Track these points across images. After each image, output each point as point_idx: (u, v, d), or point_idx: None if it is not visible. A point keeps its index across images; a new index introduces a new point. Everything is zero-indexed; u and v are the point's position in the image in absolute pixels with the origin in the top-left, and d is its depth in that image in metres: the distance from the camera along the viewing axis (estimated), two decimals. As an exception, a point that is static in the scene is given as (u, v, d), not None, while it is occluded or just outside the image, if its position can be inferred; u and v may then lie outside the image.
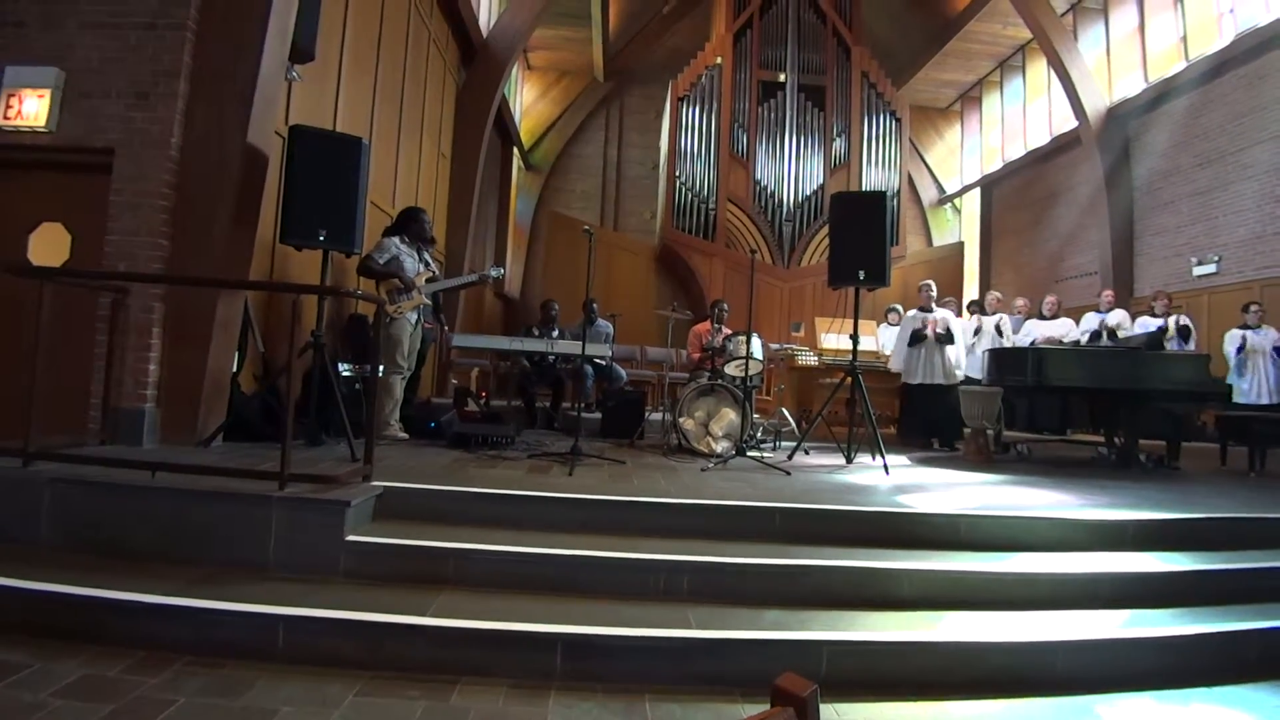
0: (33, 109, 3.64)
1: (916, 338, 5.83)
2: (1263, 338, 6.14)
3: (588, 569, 2.52)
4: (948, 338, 5.81)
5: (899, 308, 7.12)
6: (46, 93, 3.63)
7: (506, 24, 8.68)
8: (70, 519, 2.63)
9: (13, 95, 3.66)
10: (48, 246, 3.76)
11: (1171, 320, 6.10)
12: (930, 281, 6.22)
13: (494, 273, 5.37)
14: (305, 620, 2.16)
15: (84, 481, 2.68)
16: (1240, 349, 6.13)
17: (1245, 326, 6.23)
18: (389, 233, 4.67)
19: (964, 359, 6.01)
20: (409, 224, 4.69)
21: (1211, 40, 8.47)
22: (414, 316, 4.55)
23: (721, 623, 2.29)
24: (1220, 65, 8.26)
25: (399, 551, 2.53)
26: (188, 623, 2.16)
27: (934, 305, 6.02)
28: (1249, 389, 6.07)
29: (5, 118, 3.64)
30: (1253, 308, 6.29)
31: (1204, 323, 7.63)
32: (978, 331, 6.31)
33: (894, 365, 6.08)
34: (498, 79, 8.62)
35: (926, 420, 5.91)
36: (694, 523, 2.87)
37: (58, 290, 3.02)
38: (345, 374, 4.41)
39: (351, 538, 2.53)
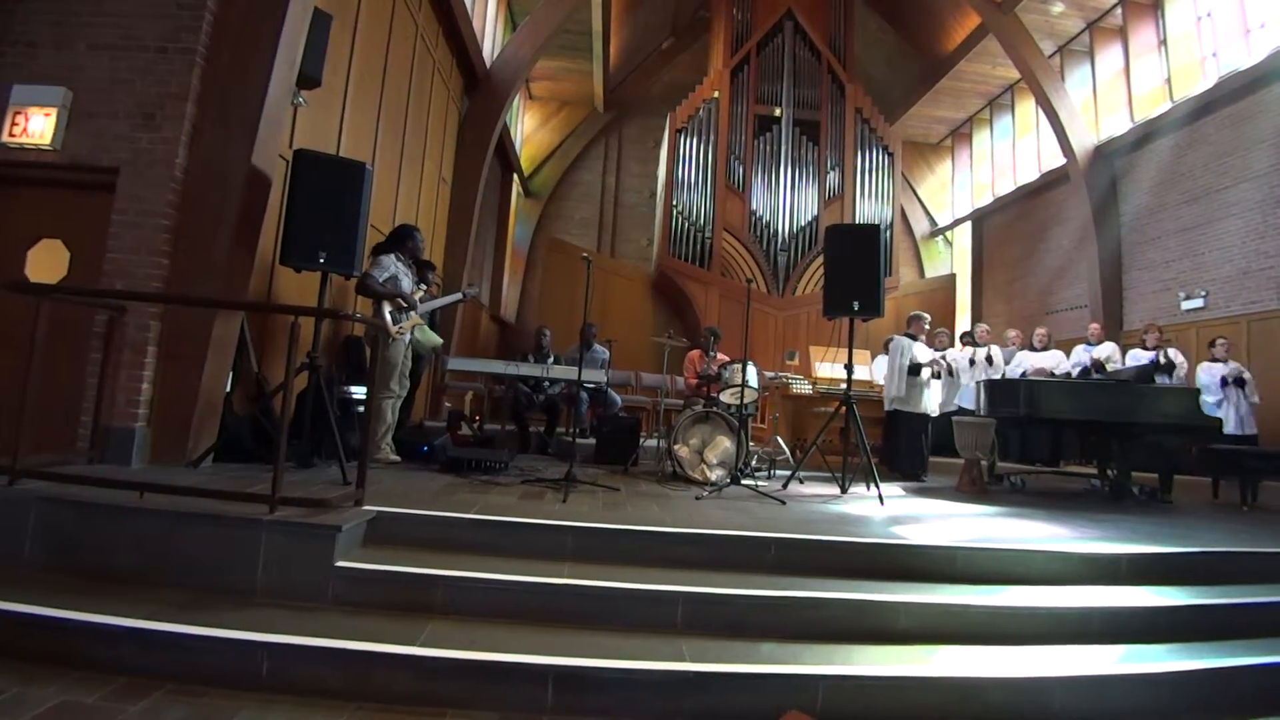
0: (38, 127, 3.68)
1: (915, 370, 5.63)
2: (1230, 370, 6.30)
3: (580, 599, 2.48)
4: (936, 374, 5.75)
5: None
6: (53, 111, 3.68)
7: (510, 55, 8.86)
8: (55, 539, 2.59)
9: (19, 113, 3.70)
10: (46, 263, 3.77)
11: (1173, 352, 6.17)
12: (926, 314, 6.04)
13: (470, 291, 5.44)
14: (291, 648, 2.12)
15: (70, 501, 2.64)
16: (1225, 383, 6.20)
17: (1214, 360, 6.33)
18: (381, 250, 4.51)
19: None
20: (405, 241, 4.58)
21: (1195, 82, 8.72)
22: (409, 337, 4.52)
23: (716, 655, 2.26)
24: (1204, 106, 8.49)
25: (389, 578, 2.49)
26: (170, 649, 2.11)
27: (920, 338, 5.85)
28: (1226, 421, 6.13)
29: (10, 135, 3.68)
30: (1219, 341, 6.40)
31: (1193, 356, 7.70)
32: (973, 362, 6.33)
33: (895, 391, 5.72)
34: (500, 108, 8.77)
35: (913, 451, 5.73)
36: (688, 552, 2.84)
37: (53, 307, 3.01)
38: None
39: (341, 563, 2.50)
